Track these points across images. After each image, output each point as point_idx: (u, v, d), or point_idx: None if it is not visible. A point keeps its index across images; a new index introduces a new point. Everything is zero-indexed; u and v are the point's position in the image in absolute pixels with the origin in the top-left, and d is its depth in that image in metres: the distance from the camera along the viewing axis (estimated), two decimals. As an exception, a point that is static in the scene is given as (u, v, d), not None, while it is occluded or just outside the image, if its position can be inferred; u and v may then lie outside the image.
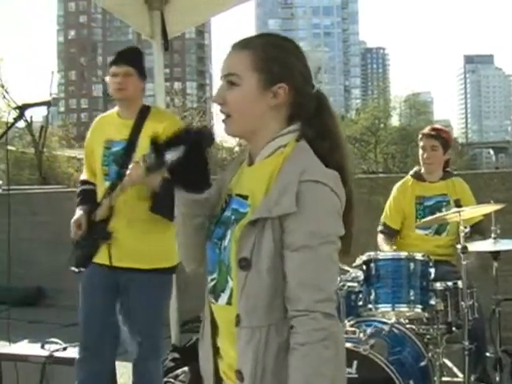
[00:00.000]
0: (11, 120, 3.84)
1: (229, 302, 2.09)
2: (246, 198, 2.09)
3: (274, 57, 2.06)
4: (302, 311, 1.91)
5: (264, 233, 1.96)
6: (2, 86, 42.05)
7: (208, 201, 2.16)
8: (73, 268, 4.06)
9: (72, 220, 4.04)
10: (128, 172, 3.79)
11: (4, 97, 41.94)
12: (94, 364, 4.04)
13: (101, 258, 4.02)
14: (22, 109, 3.76)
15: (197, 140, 2.05)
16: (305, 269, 1.92)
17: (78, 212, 4.08)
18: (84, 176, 4.31)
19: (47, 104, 3.93)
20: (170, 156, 2.02)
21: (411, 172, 5.21)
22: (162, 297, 4.06)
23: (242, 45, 2.11)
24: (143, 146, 3.81)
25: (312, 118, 2.10)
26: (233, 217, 2.11)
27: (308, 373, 1.88)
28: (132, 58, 4.05)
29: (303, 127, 2.10)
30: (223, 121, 2.10)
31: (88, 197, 4.14)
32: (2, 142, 4.05)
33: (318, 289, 1.91)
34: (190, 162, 2.04)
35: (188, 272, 2.36)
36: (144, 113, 4.03)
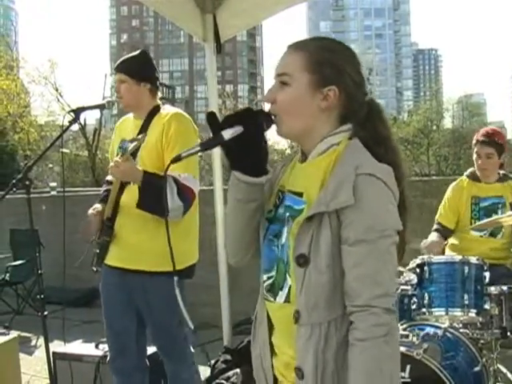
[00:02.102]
0: (65, 123, 3.88)
1: (287, 300, 2.08)
2: (300, 194, 2.09)
3: (326, 60, 2.06)
4: (362, 306, 1.89)
5: (321, 228, 1.95)
6: (57, 90, 42.69)
7: (262, 187, 2.14)
8: (92, 268, 4.05)
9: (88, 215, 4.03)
10: (110, 166, 3.84)
11: (58, 100, 42.60)
12: (123, 364, 4.08)
13: (110, 258, 4.02)
14: (77, 112, 3.81)
15: (256, 122, 2.04)
16: (363, 263, 1.90)
17: (91, 209, 4.08)
18: (109, 177, 4.31)
19: (101, 107, 3.98)
20: (227, 134, 2.00)
21: (467, 172, 5.14)
22: (173, 300, 3.95)
23: (297, 46, 2.12)
24: (149, 144, 3.84)
25: (364, 122, 2.11)
26: (287, 214, 2.11)
27: (368, 369, 1.86)
28: (123, 64, 4.05)
29: (356, 128, 2.11)
30: (274, 121, 2.10)
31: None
32: (56, 145, 4.10)
33: (376, 283, 1.90)
34: (247, 142, 2.02)
35: (232, 264, 2.38)
36: (153, 113, 4.02)
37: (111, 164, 3.81)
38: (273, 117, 2.09)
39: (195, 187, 3.84)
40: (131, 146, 3.69)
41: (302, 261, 1.98)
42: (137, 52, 4.15)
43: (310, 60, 2.06)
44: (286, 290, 2.09)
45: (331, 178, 1.99)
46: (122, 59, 4.12)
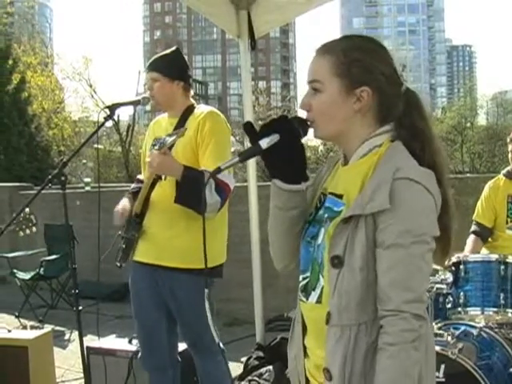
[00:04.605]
0: (101, 119, 3.88)
1: (319, 301, 2.08)
2: (340, 196, 2.09)
3: (354, 60, 2.05)
4: (392, 311, 1.88)
5: (357, 231, 1.95)
6: (90, 86, 42.94)
7: (304, 194, 2.14)
8: (116, 263, 4.06)
9: (115, 209, 4.05)
10: (147, 160, 3.84)
11: (92, 96, 42.85)
12: (155, 361, 4.10)
13: (139, 254, 4.03)
14: (112, 108, 3.81)
15: (292, 129, 2.05)
16: (396, 268, 1.89)
17: (122, 201, 4.10)
18: (140, 176, 4.32)
19: (137, 103, 3.98)
20: (264, 143, 2.01)
21: (503, 171, 5.11)
22: (200, 298, 3.85)
23: (324, 50, 2.11)
24: (184, 142, 3.82)
25: (402, 118, 2.08)
26: (326, 215, 2.10)
27: (395, 374, 1.86)
28: (156, 62, 4.05)
29: (396, 128, 2.09)
30: (310, 126, 2.10)
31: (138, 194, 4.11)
32: (90, 141, 4.11)
33: (408, 289, 1.89)
34: (285, 149, 2.03)
35: (278, 270, 2.36)
36: (187, 112, 4.02)
37: (148, 156, 3.82)
38: (309, 122, 2.09)
39: (231, 182, 3.84)
40: (170, 139, 3.68)
41: (337, 262, 1.97)
42: (169, 50, 4.15)
43: (338, 63, 2.05)
44: (318, 290, 2.09)
45: (369, 181, 1.98)
46: (154, 57, 4.12)
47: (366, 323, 1.96)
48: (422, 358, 1.92)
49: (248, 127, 2.08)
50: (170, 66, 4.02)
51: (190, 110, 4.03)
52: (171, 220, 3.88)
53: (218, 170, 2.08)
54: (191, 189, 3.65)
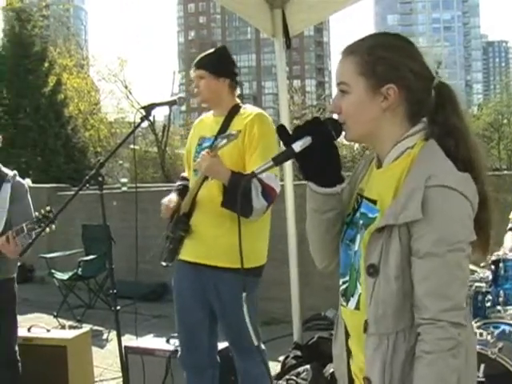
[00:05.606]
0: (137, 120, 3.91)
1: (357, 307, 2.08)
2: (374, 202, 2.07)
3: (378, 58, 2.02)
4: (429, 320, 1.87)
5: (391, 240, 1.93)
6: (126, 87, 43.17)
7: (339, 197, 2.13)
8: (162, 262, 4.09)
9: (162, 201, 4.08)
10: (197, 160, 3.85)
11: (127, 97, 43.07)
12: (195, 360, 4.11)
13: (185, 253, 4.05)
14: (148, 109, 3.83)
15: (325, 131, 2.04)
16: (431, 277, 1.87)
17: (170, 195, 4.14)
18: (184, 173, 4.37)
19: (173, 103, 3.99)
20: (297, 146, 2.01)
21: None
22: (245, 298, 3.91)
23: (348, 51, 2.09)
24: (231, 142, 3.80)
25: (435, 114, 2.05)
26: (361, 221, 2.09)
27: (433, 382, 1.84)
28: (202, 60, 4.07)
29: (429, 125, 2.05)
30: (343, 129, 2.08)
31: (183, 192, 4.15)
32: (126, 142, 4.13)
33: (444, 297, 1.87)
34: (318, 152, 2.02)
35: (319, 269, 2.35)
36: (233, 111, 4.03)
37: (200, 157, 3.83)
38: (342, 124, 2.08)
39: (277, 186, 3.85)
40: (222, 142, 3.69)
41: (372, 271, 1.96)
42: (216, 48, 4.19)
43: (362, 63, 2.03)
44: (356, 296, 2.09)
45: (402, 188, 1.96)
46: (200, 56, 4.15)
47: (403, 330, 1.95)
48: (462, 365, 1.90)
49: (281, 130, 2.08)
50: (215, 64, 4.06)
51: (235, 109, 4.05)
52: (218, 219, 3.89)
53: (253, 175, 2.10)
54: (237, 193, 3.65)
